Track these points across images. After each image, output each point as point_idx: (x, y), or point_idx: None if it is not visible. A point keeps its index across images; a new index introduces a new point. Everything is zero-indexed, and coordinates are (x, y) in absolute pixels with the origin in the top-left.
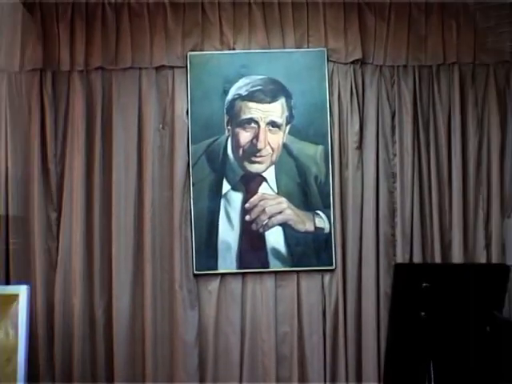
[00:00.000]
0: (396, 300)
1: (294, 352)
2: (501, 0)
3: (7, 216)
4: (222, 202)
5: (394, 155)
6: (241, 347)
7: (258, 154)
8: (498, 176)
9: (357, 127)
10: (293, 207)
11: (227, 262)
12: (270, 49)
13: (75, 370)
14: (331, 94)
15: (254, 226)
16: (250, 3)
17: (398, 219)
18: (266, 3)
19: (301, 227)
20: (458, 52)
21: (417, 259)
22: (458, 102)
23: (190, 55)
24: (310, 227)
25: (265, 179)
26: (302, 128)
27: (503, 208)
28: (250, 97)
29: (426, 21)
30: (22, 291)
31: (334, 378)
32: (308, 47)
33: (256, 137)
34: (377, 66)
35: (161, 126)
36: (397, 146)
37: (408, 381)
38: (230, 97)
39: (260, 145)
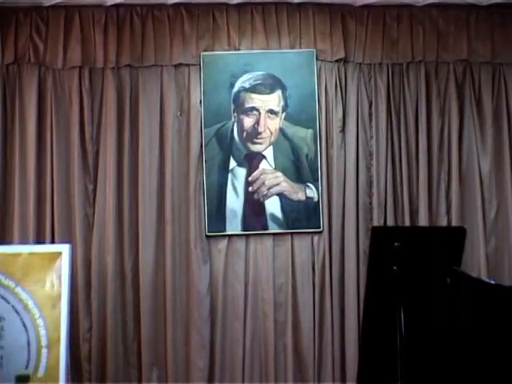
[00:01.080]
0: (372, 257)
1: (288, 300)
2: (458, 10)
3: (52, 188)
4: (229, 176)
5: (371, 137)
6: (245, 296)
7: (258, 137)
8: (457, 153)
9: (340, 114)
10: (287, 180)
11: (233, 225)
12: (268, 49)
13: (108, 316)
14: (319, 87)
15: (255, 196)
16: (252, 12)
17: (374, 190)
18: (266, 12)
19: (294, 197)
20: (424, 52)
21: (390, 223)
22: (424, 93)
23: (202, 55)
24: (301, 197)
25: (264, 157)
26: (295, 115)
27: (461, 180)
28: (252, 89)
29: (398, 26)
30: (65, 249)
31: (321, 321)
32: (300, 48)
33: (257, 122)
34: (357, 63)
35: (179, 113)
36: (373, 129)
37: (382, 323)
38: (235, 89)
39: (260, 129)
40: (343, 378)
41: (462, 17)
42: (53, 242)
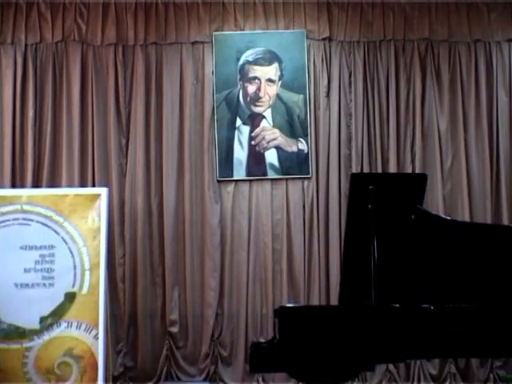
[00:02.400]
0: (351, 198)
1: (283, 232)
2: None
3: (93, 142)
4: (236, 132)
5: (350, 101)
6: (248, 229)
7: (259, 101)
8: (420, 114)
9: (325, 83)
10: (283, 136)
11: (239, 172)
12: (267, 30)
13: (138, 245)
14: (308, 60)
15: (257, 148)
16: (254, 2)
17: (353, 143)
18: (267, 0)
19: (288, 149)
20: (394, 32)
21: (365, 170)
22: (393, 66)
23: (214, 34)
24: (294, 149)
25: (264, 117)
26: (289, 83)
27: (423, 136)
28: (255, 62)
29: (372, 11)
30: (103, 192)
31: (310, 249)
32: (293, 29)
33: (258, 89)
34: (339, 41)
35: (195, 82)
36: (352, 95)
37: (359, 251)
38: (241, 62)
39: (261, 94)
40: (328, 296)
41: (424, 3)
42: (93, 185)
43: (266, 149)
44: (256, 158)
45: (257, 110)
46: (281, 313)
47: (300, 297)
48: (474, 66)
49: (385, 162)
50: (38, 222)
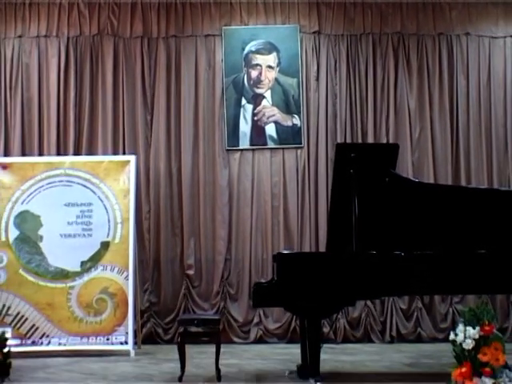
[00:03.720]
0: (336, 164)
1: (280, 192)
2: None
3: (123, 118)
4: (241, 109)
5: (336, 84)
6: (251, 189)
7: (261, 83)
8: (393, 95)
9: (315, 68)
10: (280, 112)
11: (244, 142)
12: (267, 25)
13: (161, 203)
14: (301, 50)
15: (259, 123)
16: (256, 1)
17: (337, 119)
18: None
19: (284, 123)
20: (372, 26)
21: (348, 140)
22: (371, 55)
23: (223, 28)
24: (289, 123)
25: (265, 97)
26: (285, 68)
27: (396, 113)
28: (257, 51)
29: (354, 9)
30: (132, 159)
31: (302, 205)
32: (289, 24)
33: (260, 73)
34: (326, 34)
35: (208, 67)
36: (337, 79)
37: (342, 207)
38: (245, 51)
39: (262, 78)
40: (317, 244)
41: (396, 2)
42: (124, 153)
43: (266, 123)
44: (258, 130)
45: (258, 91)
46: (278, 258)
47: (294, 245)
48: (438, 55)
49: (364, 134)
50: (78, 183)
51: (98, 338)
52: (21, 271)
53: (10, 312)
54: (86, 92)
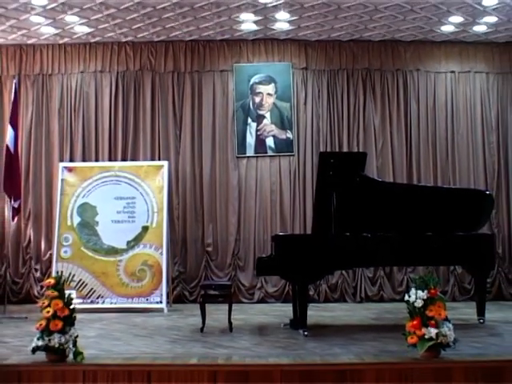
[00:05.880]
0: (319, 167)
1: (277, 189)
2: (364, 43)
3: (159, 133)
4: (248, 127)
5: (319, 107)
6: (255, 187)
7: (262, 107)
8: (363, 116)
9: (303, 95)
10: (277, 128)
11: (250, 151)
12: (267, 62)
13: (187, 197)
14: (293, 82)
15: (261, 136)
16: (259, 44)
17: (320, 134)
18: (266, 43)
19: (280, 137)
20: (346, 64)
21: (328, 150)
22: (346, 86)
23: (234, 65)
24: (284, 137)
25: (265, 117)
26: (281, 95)
27: (365, 129)
28: (259, 82)
29: (333, 51)
30: (165, 164)
31: (293, 199)
32: (284, 62)
33: (262, 99)
34: (312, 69)
35: (222, 94)
36: (320, 104)
37: (324, 201)
38: (251, 82)
39: (263, 103)
40: (305, 228)
41: (365, 46)
42: (159, 159)
43: (267, 137)
44: (260, 142)
45: (261, 112)
46: (275, 238)
47: (287, 229)
48: (396, 85)
49: (340, 145)
50: (125, 182)
51: (140, 299)
52: (82, 248)
53: (74, 279)
54: (131, 113)
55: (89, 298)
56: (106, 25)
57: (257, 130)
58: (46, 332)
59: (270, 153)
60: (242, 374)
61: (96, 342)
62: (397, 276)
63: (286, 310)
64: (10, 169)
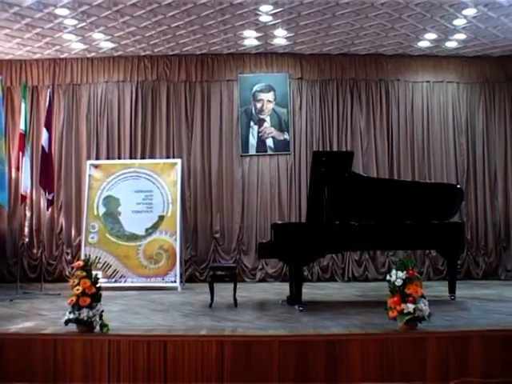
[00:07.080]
0: (313, 164)
1: (276, 183)
2: (352, 57)
3: (173, 136)
4: (250, 129)
5: (313, 112)
6: (257, 181)
7: (263, 112)
8: (350, 120)
9: (299, 102)
10: (276, 130)
11: (252, 150)
12: (267, 73)
13: (197, 191)
14: (290, 90)
15: (262, 138)
16: (260, 57)
17: (314, 135)
18: (267, 56)
19: (278, 138)
20: (336, 74)
21: (320, 149)
22: (336, 94)
23: (239, 76)
24: (282, 138)
25: (266, 121)
26: (279, 102)
27: (352, 132)
28: (260, 91)
29: (324, 63)
30: (179, 161)
31: (290, 192)
32: (282, 73)
33: (262, 105)
34: (306, 79)
35: (228, 101)
36: (313, 109)
37: (317, 193)
38: (253, 90)
39: (264, 108)
40: (300, 217)
41: (352, 59)
42: (174, 157)
43: (267, 138)
44: (261, 143)
45: (262, 117)
46: (274, 226)
47: (284, 217)
48: (379, 94)
49: (331, 145)
50: (144, 177)
51: (157, 278)
52: (107, 235)
53: (100, 261)
54: (149, 118)
55: (113, 277)
56: (128, 41)
57: (258, 132)
58: (76, 307)
59: (269, 152)
60: (245, 344)
61: (119, 315)
62: (380, 259)
63: (283, 289)
64: (45, 166)
